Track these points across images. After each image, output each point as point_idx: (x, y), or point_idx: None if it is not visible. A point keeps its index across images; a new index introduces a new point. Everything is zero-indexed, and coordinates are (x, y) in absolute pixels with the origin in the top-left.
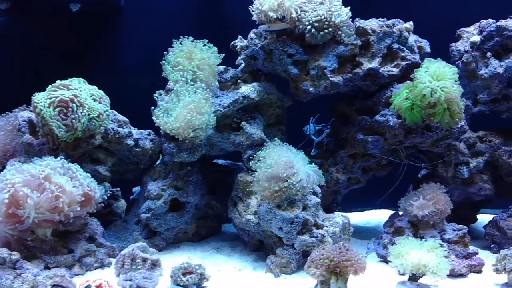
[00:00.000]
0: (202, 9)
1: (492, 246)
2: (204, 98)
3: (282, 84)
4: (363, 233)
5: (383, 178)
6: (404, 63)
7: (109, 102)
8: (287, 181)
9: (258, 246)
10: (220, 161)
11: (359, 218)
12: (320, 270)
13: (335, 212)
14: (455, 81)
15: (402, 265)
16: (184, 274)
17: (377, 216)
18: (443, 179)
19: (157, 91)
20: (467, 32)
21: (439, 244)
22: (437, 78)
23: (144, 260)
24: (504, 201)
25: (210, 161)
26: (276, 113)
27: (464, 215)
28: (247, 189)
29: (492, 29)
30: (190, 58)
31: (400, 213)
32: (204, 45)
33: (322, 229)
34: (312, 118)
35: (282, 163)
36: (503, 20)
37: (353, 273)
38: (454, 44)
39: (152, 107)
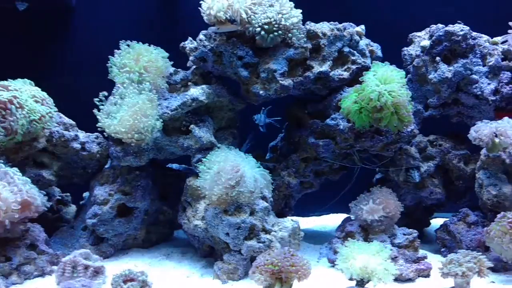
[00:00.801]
0: (156, 9)
1: (442, 250)
2: (148, 100)
3: (235, 87)
4: (318, 238)
5: (341, 182)
6: (354, 66)
7: (53, 104)
8: (233, 185)
9: (209, 252)
10: (174, 165)
11: (316, 222)
12: (265, 276)
13: (287, 217)
14: (403, 85)
15: (349, 270)
16: (125, 282)
17: (334, 221)
18: (396, 183)
19: (100, 93)
20: (418, 36)
21: (385, 247)
22: (385, 82)
23: (86, 267)
24: (456, 204)
25: (163, 165)
26: (227, 116)
27: (418, 219)
28: (196, 194)
29: (440, 33)
30: (138, 60)
31: (353, 217)
32: (149, 46)
33: (270, 234)
34: (263, 108)
35: (229, 167)
36: (452, 25)
37: (297, 279)
38: (406, 48)
39: (95, 110)
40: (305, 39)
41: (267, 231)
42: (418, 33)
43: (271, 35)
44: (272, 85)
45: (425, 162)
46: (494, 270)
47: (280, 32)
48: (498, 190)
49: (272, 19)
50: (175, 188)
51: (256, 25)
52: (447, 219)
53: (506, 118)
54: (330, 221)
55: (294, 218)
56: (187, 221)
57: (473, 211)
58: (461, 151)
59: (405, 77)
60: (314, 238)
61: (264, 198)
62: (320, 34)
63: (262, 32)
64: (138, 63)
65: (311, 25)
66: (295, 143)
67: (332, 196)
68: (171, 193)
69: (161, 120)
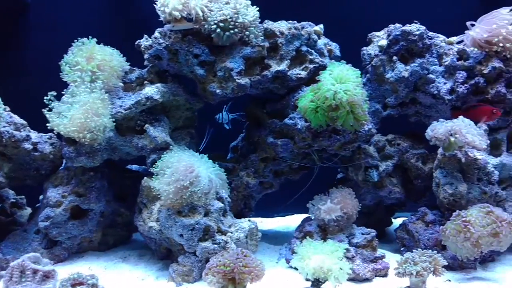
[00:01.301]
0: (115, 6)
1: (402, 249)
2: (100, 98)
3: (192, 86)
4: (280, 239)
5: (305, 182)
6: (312, 66)
7: (2, 103)
8: (187, 186)
9: (166, 254)
10: (134, 166)
11: (280, 223)
12: (217, 277)
13: (247, 218)
14: (358, 84)
15: (304, 270)
16: (73, 286)
17: (298, 221)
18: (356, 182)
19: (49, 93)
20: (377, 36)
21: (339, 246)
22: (340, 81)
23: (35, 272)
24: (416, 204)
25: (121, 166)
26: (185, 115)
27: (379, 219)
28: (151, 195)
29: (397, 33)
30: (91, 58)
31: (312, 217)
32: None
33: (225, 235)
34: (225, 106)
35: (182, 168)
36: (409, 25)
37: (250, 280)
38: (365, 48)
39: (44, 109)
40: (262, 37)
41: (223, 232)
42: (377, 33)
43: (227, 33)
44: (229, 84)
45: (384, 162)
46: (451, 268)
47: (236, 30)
48: (454, 189)
49: (228, 17)
50: (134, 190)
51: (212, 23)
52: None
53: (460, 117)
54: (294, 221)
55: (259, 219)
56: (142, 223)
57: (432, 210)
58: (419, 150)
59: (364, 77)
60: (277, 238)
61: (220, 198)
62: (278, 33)
63: (218, 30)
64: (91, 61)
65: (268, 24)
66: (255, 143)
67: (298, 197)
68: (129, 194)
69: (113, 119)
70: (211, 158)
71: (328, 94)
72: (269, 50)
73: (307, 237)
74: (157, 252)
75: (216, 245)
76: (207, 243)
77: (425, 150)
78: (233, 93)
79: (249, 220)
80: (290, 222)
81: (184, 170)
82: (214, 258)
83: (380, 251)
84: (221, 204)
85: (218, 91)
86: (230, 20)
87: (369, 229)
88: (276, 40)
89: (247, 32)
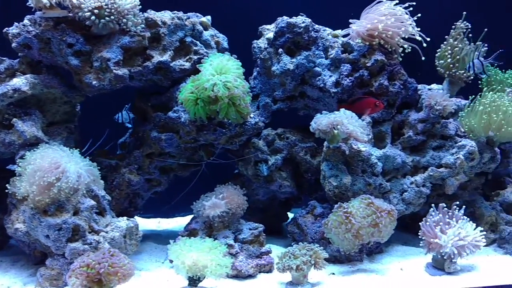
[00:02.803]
0: None
1: (292, 244)
2: None
3: (71, 78)
4: (173, 238)
5: (205, 179)
6: (196, 57)
7: None
8: (52, 183)
9: (41, 259)
10: (15, 166)
11: (178, 223)
12: (80, 279)
13: (127, 217)
14: (239, 75)
15: (179, 268)
16: None
17: None
18: (249, 178)
19: None
20: (267, 29)
21: (220, 243)
22: (220, 72)
23: None
24: (310, 198)
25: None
26: (63, 109)
27: (275, 214)
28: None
29: (283, 25)
30: None
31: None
32: None
33: (98, 235)
34: (126, 106)
35: (47, 164)
36: (295, 17)
37: (118, 281)
38: (255, 41)
39: None
40: (143, 26)
41: (96, 232)
42: (268, 26)
43: (102, 20)
44: (107, 75)
45: (273, 155)
46: (339, 261)
47: (113, 17)
48: (339, 181)
49: (104, 3)
50: None
51: (86, 10)
52: None
53: (342, 109)
54: None
55: (157, 219)
56: (10, 225)
57: (323, 204)
58: (308, 143)
59: (255, 70)
60: (170, 238)
61: (95, 196)
62: (160, 23)
63: (93, 17)
64: None
65: (150, 13)
66: (140, 138)
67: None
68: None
69: None
70: (97, 155)
71: (207, 85)
72: (152, 41)
73: (193, 235)
74: (31, 256)
75: (87, 246)
76: (77, 244)
77: (314, 143)
78: (111, 85)
79: (127, 219)
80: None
81: (48, 167)
82: (78, 259)
83: (273, 247)
84: (92, 202)
85: (94, 82)
86: (106, 7)
87: (257, 224)
88: (158, 30)
89: (124, 20)
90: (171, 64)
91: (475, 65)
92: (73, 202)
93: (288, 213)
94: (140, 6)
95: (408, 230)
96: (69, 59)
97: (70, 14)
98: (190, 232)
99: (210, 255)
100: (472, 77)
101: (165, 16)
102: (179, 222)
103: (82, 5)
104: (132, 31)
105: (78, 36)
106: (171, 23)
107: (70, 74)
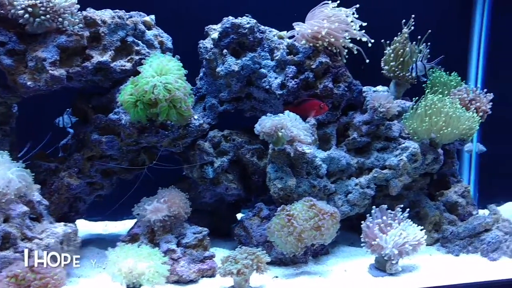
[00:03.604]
0: None
1: (239, 247)
2: None
3: (6, 78)
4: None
5: (159, 182)
6: (138, 57)
7: None
8: None
9: None
10: None
11: (126, 226)
12: None
13: (65, 223)
14: (181, 76)
15: (115, 276)
16: None
17: None
18: (195, 180)
19: None
20: (214, 29)
21: (157, 251)
22: (161, 73)
23: None
24: (259, 200)
25: None
26: None
27: (224, 217)
28: None
29: (227, 26)
30: None
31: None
32: None
33: (32, 242)
34: (68, 110)
35: None
36: (240, 18)
37: None
38: (202, 41)
39: None
40: (81, 26)
41: (29, 239)
42: (214, 26)
43: (37, 19)
44: (42, 76)
45: (219, 158)
46: (284, 263)
47: (48, 16)
48: (284, 183)
49: (38, 1)
50: None
51: (19, 7)
52: None
53: (286, 111)
54: None
55: (104, 222)
56: None
57: (270, 206)
58: (255, 145)
59: (201, 71)
60: (114, 243)
61: (29, 202)
62: (99, 22)
63: (26, 15)
64: None
65: (89, 12)
66: (81, 140)
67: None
68: None
69: None
70: (36, 158)
71: (147, 88)
72: (91, 40)
73: (134, 240)
74: None
75: (18, 254)
76: (7, 252)
77: (261, 145)
78: (47, 86)
79: (65, 224)
80: None
81: None
82: (6, 269)
83: (220, 250)
84: (25, 208)
85: (29, 83)
86: (40, 5)
87: (201, 228)
88: (98, 29)
89: (60, 19)
90: (112, 65)
91: (418, 67)
92: (3, 208)
93: (238, 214)
94: (78, 6)
95: (355, 230)
96: (1, 59)
97: (2, 11)
98: (132, 237)
99: (147, 262)
100: (416, 79)
101: (105, 15)
102: (126, 225)
103: (15, 2)
104: (69, 30)
105: (10, 35)
106: (112, 22)
107: (4, 74)
